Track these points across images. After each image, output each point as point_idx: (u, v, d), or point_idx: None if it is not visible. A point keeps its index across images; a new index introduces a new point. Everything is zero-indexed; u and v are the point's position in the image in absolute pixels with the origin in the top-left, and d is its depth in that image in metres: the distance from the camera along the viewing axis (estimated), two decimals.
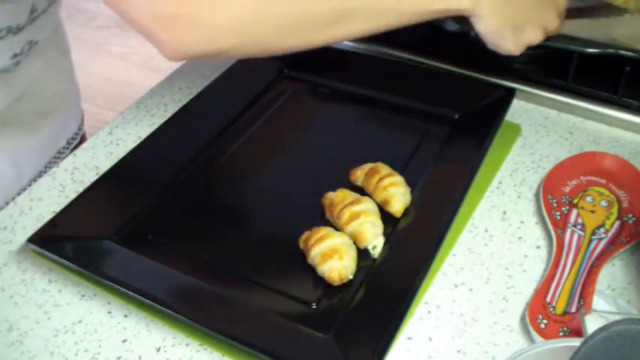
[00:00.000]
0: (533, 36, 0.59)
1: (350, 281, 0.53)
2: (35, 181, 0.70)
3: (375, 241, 0.55)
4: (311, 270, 0.54)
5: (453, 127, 0.67)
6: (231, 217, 0.62)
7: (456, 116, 0.69)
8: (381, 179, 0.59)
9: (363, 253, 0.55)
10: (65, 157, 0.71)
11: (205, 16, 0.48)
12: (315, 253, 0.53)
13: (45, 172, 0.74)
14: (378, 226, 0.56)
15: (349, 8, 0.52)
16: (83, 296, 0.56)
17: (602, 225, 0.57)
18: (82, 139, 0.86)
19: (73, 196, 0.63)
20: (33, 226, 0.61)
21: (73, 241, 0.57)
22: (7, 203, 0.65)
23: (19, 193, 0.68)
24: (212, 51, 0.51)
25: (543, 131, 0.69)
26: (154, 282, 0.54)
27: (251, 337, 0.48)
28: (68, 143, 0.82)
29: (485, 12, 0.56)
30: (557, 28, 0.61)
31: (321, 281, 0.53)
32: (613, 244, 0.55)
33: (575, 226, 0.57)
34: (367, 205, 0.56)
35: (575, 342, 0.38)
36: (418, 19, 0.55)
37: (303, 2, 0.51)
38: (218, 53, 0.51)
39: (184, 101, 0.73)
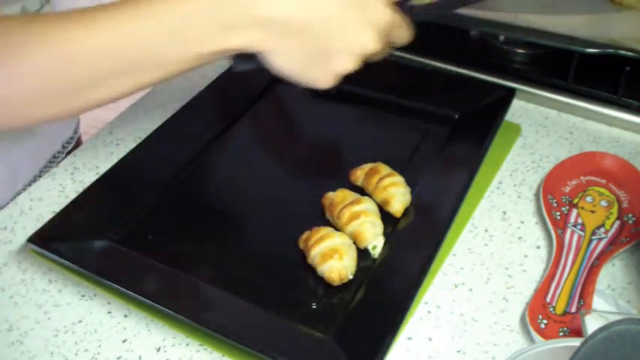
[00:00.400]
0: (345, 65, 0.49)
1: (350, 281, 0.53)
2: (30, 185, 0.70)
3: (375, 241, 0.55)
4: (311, 270, 0.54)
5: (453, 127, 0.67)
6: (231, 217, 0.62)
7: (456, 116, 0.69)
8: (381, 179, 0.59)
9: (363, 253, 0.55)
10: (61, 161, 0.70)
11: None
12: (315, 253, 0.53)
13: (40, 176, 0.74)
14: (378, 226, 0.56)
15: (98, 75, 0.46)
16: (83, 296, 0.56)
17: (602, 225, 0.57)
18: (78, 143, 0.85)
19: (73, 196, 0.63)
20: (33, 226, 0.61)
21: (73, 241, 0.57)
22: (2, 208, 0.65)
23: (13, 198, 0.68)
24: None
25: (543, 131, 0.69)
26: (153, 282, 0.54)
27: (251, 337, 0.48)
28: (63, 147, 0.81)
29: (274, 47, 0.48)
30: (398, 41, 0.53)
31: (321, 281, 0.53)
32: (613, 244, 0.55)
33: (575, 226, 0.57)
34: (367, 205, 0.56)
35: (575, 342, 0.38)
36: (199, 62, 0.49)
37: (30, 82, 0.45)
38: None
39: (184, 101, 0.73)
